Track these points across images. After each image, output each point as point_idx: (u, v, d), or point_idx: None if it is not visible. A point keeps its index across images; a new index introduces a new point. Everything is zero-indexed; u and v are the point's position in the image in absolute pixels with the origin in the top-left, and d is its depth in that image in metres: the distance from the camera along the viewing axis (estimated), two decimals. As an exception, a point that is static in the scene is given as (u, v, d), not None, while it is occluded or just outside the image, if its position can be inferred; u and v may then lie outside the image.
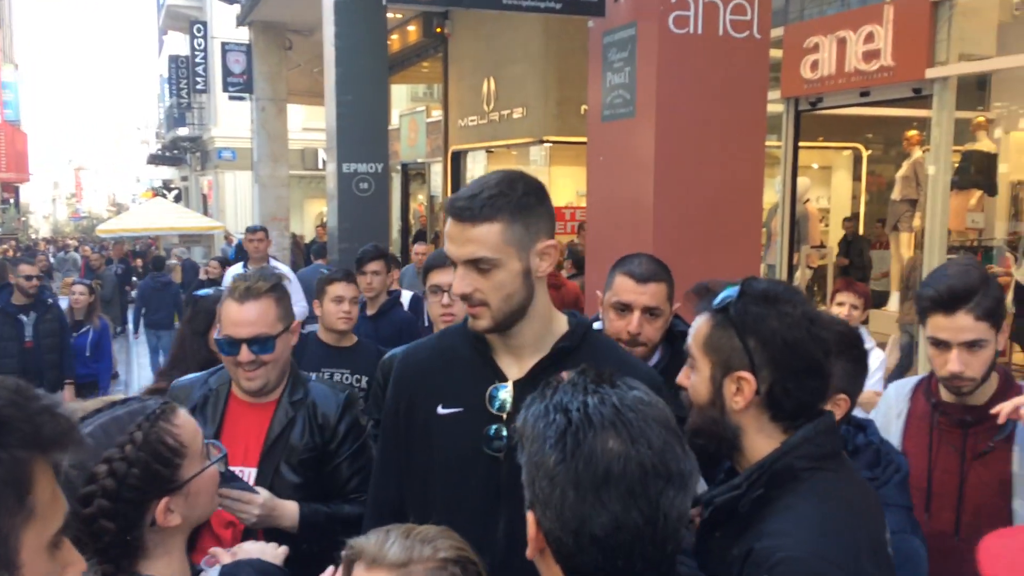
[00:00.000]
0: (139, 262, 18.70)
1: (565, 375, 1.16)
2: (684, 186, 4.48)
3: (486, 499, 1.67)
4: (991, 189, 7.55)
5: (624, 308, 2.31)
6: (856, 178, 11.81)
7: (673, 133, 4.44)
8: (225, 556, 1.66)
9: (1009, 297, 6.59)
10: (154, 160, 41.82)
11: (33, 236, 45.53)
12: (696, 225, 4.51)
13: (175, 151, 35.67)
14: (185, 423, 1.45)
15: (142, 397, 1.47)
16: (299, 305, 6.49)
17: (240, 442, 2.22)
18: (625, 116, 4.62)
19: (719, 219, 4.57)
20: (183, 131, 29.40)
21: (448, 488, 1.73)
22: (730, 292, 1.50)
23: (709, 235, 4.53)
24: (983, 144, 7.54)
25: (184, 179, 38.51)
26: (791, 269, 8.33)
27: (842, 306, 4.30)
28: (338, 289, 3.90)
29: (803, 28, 7.45)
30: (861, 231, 10.78)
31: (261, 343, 2.17)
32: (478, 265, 1.62)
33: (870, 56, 6.70)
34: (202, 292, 3.26)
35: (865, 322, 4.58)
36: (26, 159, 55.68)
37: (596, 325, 2.45)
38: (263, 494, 2.05)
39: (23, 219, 46.69)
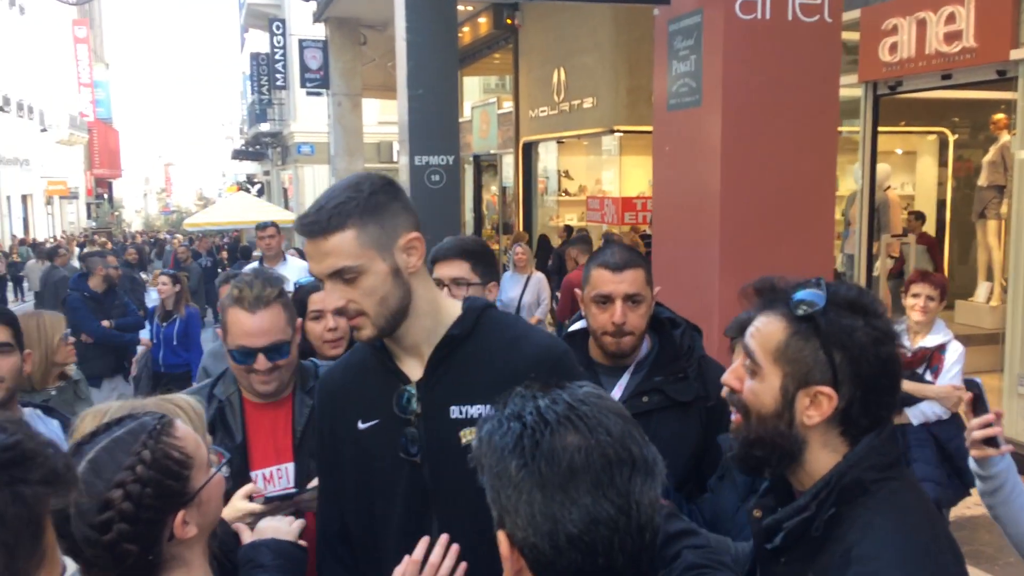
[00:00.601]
0: (225, 254, 19.34)
1: None
2: (752, 175, 4.40)
3: (416, 505, 1.67)
4: (1085, 174, 7.18)
5: (605, 300, 2.27)
6: (942, 164, 11.37)
7: (740, 121, 4.36)
8: (246, 533, 1.71)
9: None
10: (238, 155, 43.15)
11: (126, 229, 47.50)
12: (765, 214, 4.43)
13: (257, 146, 36.72)
14: (185, 435, 1.44)
15: (136, 414, 1.45)
16: None
17: (268, 442, 2.24)
18: (691, 105, 4.56)
19: (789, 208, 4.48)
20: (264, 127, 30.22)
21: (382, 501, 1.72)
22: (809, 297, 1.38)
23: (778, 224, 4.45)
24: (1076, 127, 7.17)
25: (266, 173, 39.61)
26: (870, 258, 8.08)
27: (917, 297, 4.17)
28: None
29: (881, 10, 7.21)
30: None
31: (277, 350, 2.17)
32: (343, 276, 1.58)
33: (951, 38, 6.44)
34: (303, 280, 3.27)
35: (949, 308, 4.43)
36: (119, 156, 58.16)
37: (580, 324, 2.41)
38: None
39: (116, 213, 48.72)
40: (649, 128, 10.88)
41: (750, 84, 4.37)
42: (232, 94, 70.27)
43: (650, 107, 10.65)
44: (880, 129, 7.85)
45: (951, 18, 6.43)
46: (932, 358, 4.05)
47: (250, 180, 42.99)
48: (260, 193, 34.81)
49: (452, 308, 1.71)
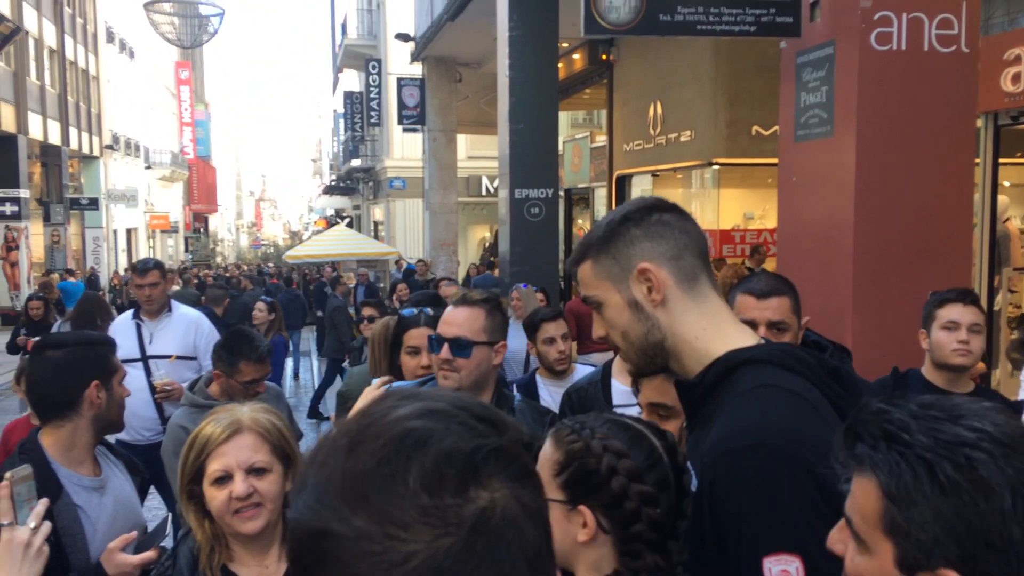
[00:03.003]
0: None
1: None
2: (887, 206, 4.34)
3: None
4: None
5: (749, 326, 2.30)
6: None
7: (874, 152, 4.32)
8: None
9: None
10: (328, 191, 44.44)
11: (220, 262, 49.29)
12: (899, 246, 4.35)
13: (348, 181, 37.75)
14: None
15: None
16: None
17: None
18: (821, 136, 4.54)
19: (925, 240, 4.39)
20: (356, 162, 31.09)
21: None
22: None
23: (913, 256, 4.36)
24: None
25: (356, 208, 40.61)
26: (991, 292, 7.81)
27: None
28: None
29: (1002, 39, 7.03)
30: None
31: (459, 345, 2.30)
32: (591, 305, 1.51)
33: (1083, 65, 6.24)
34: (406, 312, 3.45)
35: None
36: (215, 192, 60.53)
37: None
38: None
39: (213, 247, 50.59)
40: (749, 160, 10.78)
41: (885, 115, 4.32)
42: (321, 132, 72.70)
43: (751, 139, 10.62)
44: (1001, 161, 7.62)
45: (1084, 45, 6.24)
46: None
47: (339, 215, 44.17)
48: (349, 227, 35.71)
49: (718, 351, 1.43)
